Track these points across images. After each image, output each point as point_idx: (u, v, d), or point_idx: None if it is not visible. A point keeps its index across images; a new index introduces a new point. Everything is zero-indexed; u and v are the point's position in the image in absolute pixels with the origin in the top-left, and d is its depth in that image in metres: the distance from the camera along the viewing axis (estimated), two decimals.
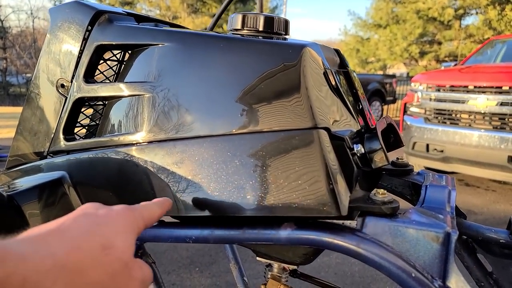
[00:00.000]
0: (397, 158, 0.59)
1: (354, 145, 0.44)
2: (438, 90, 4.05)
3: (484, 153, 3.59)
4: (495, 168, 3.62)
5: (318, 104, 0.42)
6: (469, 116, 3.75)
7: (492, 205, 3.73)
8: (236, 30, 0.53)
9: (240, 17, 0.52)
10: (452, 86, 3.92)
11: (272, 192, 0.41)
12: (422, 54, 14.29)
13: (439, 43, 14.13)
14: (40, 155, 0.57)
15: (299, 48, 0.44)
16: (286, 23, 0.54)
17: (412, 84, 4.47)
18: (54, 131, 0.55)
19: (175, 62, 0.48)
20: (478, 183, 4.43)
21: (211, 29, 0.68)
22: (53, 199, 0.50)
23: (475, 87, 3.71)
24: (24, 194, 0.47)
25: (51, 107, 0.55)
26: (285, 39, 0.54)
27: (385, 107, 10.81)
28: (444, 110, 3.97)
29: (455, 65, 5.17)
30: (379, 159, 0.45)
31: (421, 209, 0.42)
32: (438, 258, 0.38)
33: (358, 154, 0.43)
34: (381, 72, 16.73)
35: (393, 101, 10.46)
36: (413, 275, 0.38)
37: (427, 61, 14.54)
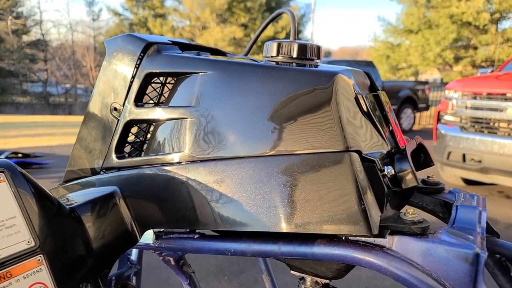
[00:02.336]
0: (428, 177, 0.61)
1: (385, 167, 0.46)
2: (474, 98, 3.93)
3: None
4: None
5: (349, 127, 0.46)
6: (508, 125, 3.62)
7: None
8: (272, 57, 0.57)
9: (275, 45, 0.56)
10: (489, 93, 3.80)
11: (306, 210, 0.45)
12: (457, 59, 13.87)
13: (475, 48, 13.68)
14: (94, 171, 0.63)
15: (331, 76, 0.47)
16: (318, 49, 0.57)
17: (446, 91, 4.36)
18: (107, 150, 0.60)
19: (216, 89, 0.52)
20: None
21: (247, 54, 0.72)
22: (106, 211, 0.55)
23: None
24: (83, 206, 0.53)
25: (105, 128, 0.61)
26: (317, 64, 0.57)
27: (418, 114, 10.55)
28: (481, 118, 3.84)
29: (492, 71, 5.00)
30: (409, 180, 0.47)
31: (451, 229, 0.44)
32: (468, 277, 0.40)
33: (389, 176, 0.46)
34: (413, 78, 16.37)
35: (426, 108, 10.20)
36: None
37: (463, 66, 14.10)
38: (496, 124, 3.73)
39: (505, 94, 3.66)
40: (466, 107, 3.98)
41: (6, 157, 6.05)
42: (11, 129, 10.41)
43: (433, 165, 0.60)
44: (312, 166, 0.45)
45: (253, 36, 0.69)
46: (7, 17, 24.99)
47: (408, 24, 14.41)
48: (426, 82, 10.87)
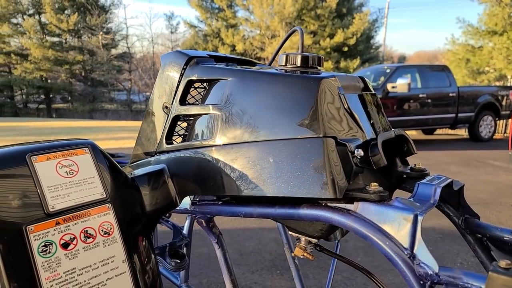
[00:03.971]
0: (415, 164, 0.71)
1: (356, 150, 0.59)
2: None
3: None
4: None
5: (328, 120, 0.59)
6: None
7: None
8: (282, 66, 0.72)
9: (284, 56, 0.72)
10: None
11: (293, 180, 0.59)
12: None
13: None
14: (151, 154, 0.83)
15: (318, 80, 0.61)
16: (319, 59, 0.71)
17: None
18: (160, 138, 0.80)
19: (236, 91, 0.69)
20: None
21: (270, 63, 0.88)
22: (156, 181, 0.74)
23: None
24: (140, 177, 0.73)
25: (159, 121, 0.81)
26: (319, 71, 0.71)
27: (500, 122, 9.72)
28: None
29: None
30: (378, 161, 0.59)
31: (403, 199, 0.55)
32: (409, 232, 0.51)
33: (358, 157, 0.58)
34: (497, 83, 15.03)
35: (510, 115, 9.35)
36: (387, 243, 0.52)
37: None
38: None
39: None
40: None
41: None
42: (100, 132, 11.66)
43: (416, 153, 0.70)
44: (298, 148, 0.60)
45: (275, 49, 0.85)
46: (98, 33, 27.91)
47: (491, 25, 13.33)
48: (510, 87, 9.97)
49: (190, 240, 1.16)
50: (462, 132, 10.32)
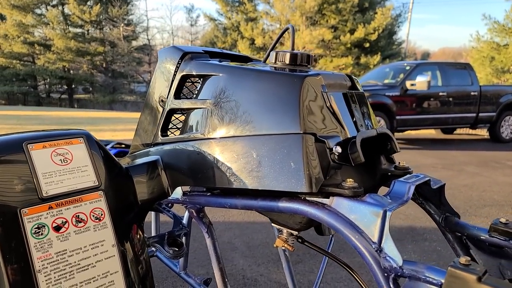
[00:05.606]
0: (399, 163, 0.73)
1: (334, 147, 0.60)
2: None
3: None
4: None
5: (309, 116, 0.61)
6: None
7: None
8: (272, 63, 0.74)
9: (274, 54, 0.74)
10: None
11: (273, 174, 0.61)
12: None
13: None
14: (147, 145, 0.87)
15: (301, 78, 0.63)
16: (309, 57, 0.73)
17: None
18: (155, 130, 0.84)
19: (226, 87, 0.71)
20: None
21: (265, 60, 0.90)
22: (150, 172, 0.78)
23: None
24: (134, 168, 0.76)
25: (155, 114, 0.84)
26: (308, 69, 0.73)
27: None
28: None
29: None
30: (356, 158, 0.61)
31: (377, 196, 0.57)
32: (378, 227, 0.53)
33: (336, 153, 0.60)
34: None
35: None
36: (357, 237, 0.54)
37: None
38: None
39: None
40: None
41: (112, 147, 7.04)
42: (119, 123, 11.89)
43: (398, 151, 0.71)
44: (279, 143, 0.62)
45: (269, 47, 0.87)
46: (119, 24, 28.33)
47: None
48: None
49: (190, 230, 1.20)
50: (483, 132, 10.06)
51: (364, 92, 0.75)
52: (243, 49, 24.01)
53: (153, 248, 0.88)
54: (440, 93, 7.77)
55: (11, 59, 26.07)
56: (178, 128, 0.82)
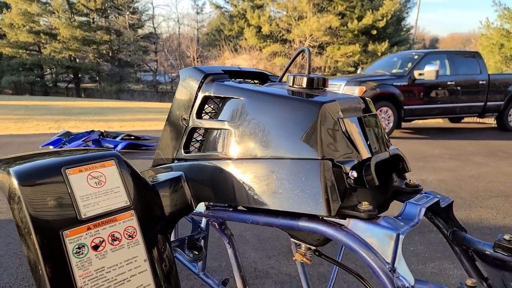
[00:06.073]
0: (410, 180, 0.77)
1: (350, 171, 0.65)
2: None
3: None
4: None
5: (327, 143, 0.65)
6: None
7: None
8: (290, 86, 0.78)
9: (291, 78, 0.78)
10: None
11: (293, 196, 0.66)
12: None
13: None
14: (170, 160, 0.92)
15: (319, 105, 0.67)
16: (324, 80, 0.77)
17: None
18: (178, 146, 0.89)
19: (247, 110, 0.76)
20: None
21: (280, 80, 0.94)
22: (174, 187, 0.83)
23: None
24: (160, 183, 0.81)
25: (177, 131, 0.89)
26: (323, 91, 0.77)
27: None
28: None
29: None
30: (371, 181, 0.65)
31: (389, 218, 0.61)
32: (391, 249, 0.57)
33: (352, 178, 0.64)
34: None
35: None
36: (372, 257, 0.58)
37: None
38: None
39: None
40: None
41: (122, 139, 7.11)
42: (127, 113, 11.97)
43: (410, 171, 0.75)
44: (299, 168, 0.66)
45: (285, 66, 0.91)
46: (125, 12, 28.22)
47: None
48: None
49: (208, 233, 1.25)
50: (490, 121, 9.99)
51: (376, 114, 0.79)
52: (249, 36, 23.85)
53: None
54: (449, 82, 7.71)
55: (17, 49, 26.19)
56: (201, 146, 0.87)
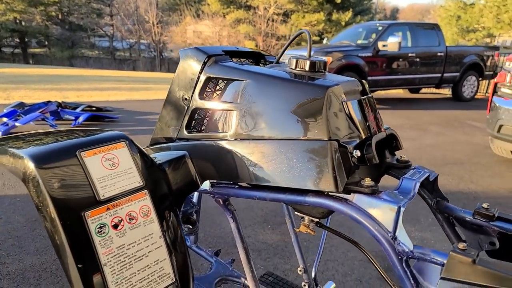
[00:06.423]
0: (401, 156, 0.85)
1: (354, 151, 0.71)
2: None
3: None
4: None
5: (333, 125, 0.70)
6: None
7: None
8: (292, 68, 0.82)
9: (294, 60, 0.81)
10: None
11: (303, 174, 0.71)
12: None
13: None
14: (170, 139, 0.93)
15: (325, 88, 0.72)
16: (325, 63, 0.81)
17: (507, 63, 4.19)
18: (180, 126, 0.90)
19: (251, 92, 0.79)
20: None
21: (277, 61, 0.96)
22: (180, 166, 0.85)
23: None
24: (166, 162, 0.84)
25: (179, 111, 0.90)
26: (324, 75, 0.81)
27: (483, 82, 9.92)
28: None
29: None
30: (371, 159, 0.72)
31: (390, 192, 0.68)
32: (392, 219, 0.65)
33: (356, 156, 0.71)
34: (488, 41, 15.06)
35: (493, 76, 9.53)
36: (376, 227, 0.66)
37: None
38: None
39: None
40: None
41: (82, 110, 6.80)
42: (82, 82, 11.32)
43: (402, 149, 0.83)
44: (307, 148, 0.71)
45: (282, 48, 0.94)
46: None
47: None
48: (496, 48, 10.06)
49: (199, 208, 1.30)
50: (446, 91, 10.53)
51: (372, 95, 0.85)
52: (212, 2, 23.07)
53: None
54: (410, 54, 7.99)
55: None
56: (202, 126, 0.89)
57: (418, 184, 0.71)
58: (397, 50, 7.52)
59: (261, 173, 0.76)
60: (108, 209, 0.68)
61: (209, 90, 0.87)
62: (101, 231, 0.66)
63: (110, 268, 0.67)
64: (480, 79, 9.23)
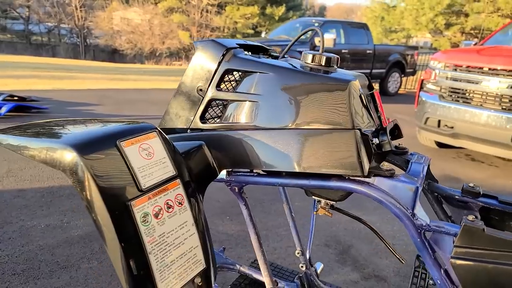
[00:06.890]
0: (399, 144, 0.96)
1: (373, 139, 0.79)
2: (455, 70, 4.27)
3: (491, 131, 3.88)
4: (499, 146, 3.92)
5: (355, 115, 0.78)
6: (481, 96, 4.00)
7: (492, 180, 4.06)
8: (307, 63, 0.88)
9: (310, 55, 0.87)
10: (469, 66, 4.13)
11: (330, 161, 0.78)
12: (448, 25, 14.04)
13: (466, 15, 13.82)
14: (181, 130, 0.94)
15: (347, 82, 0.79)
16: (337, 59, 0.88)
17: (431, 62, 4.67)
18: (193, 116, 0.92)
19: (269, 84, 0.83)
20: (483, 159, 4.74)
21: (283, 56, 1.01)
22: (198, 155, 0.87)
23: (489, 69, 3.93)
24: (187, 153, 0.85)
25: (192, 101, 0.91)
26: (337, 70, 0.88)
27: (405, 79, 10.87)
28: (458, 89, 4.21)
29: (475, 44, 5.31)
30: (386, 146, 0.81)
31: (407, 175, 0.78)
32: (411, 198, 0.75)
33: (374, 143, 0.79)
34: (407, 41, 16.46)
35: (413, 73, 10.53)
36: (397, 205, 0.75)
37: (452, 33, 14.30)
38: (470, 95, 4.12)
39: (481, 68, 4.01)
40: (447, 78, 4.33)
41: (4, 100, 6.12)
42: None
43: (403, 137, 0.94)
44: (333, 137, 0.78)
45: (290, 43, 0.99)
46: None
47: None
48: (415, 48, 11.10)
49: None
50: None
51: (377, 90, 0.94)
52: None
53: None
54: (343, 51, 8.47)
55: None
56: (218, 116, 0.91)
57: (426, 168, 0.81)
58: (332, 46, 7.93)
59: (287, 161, 0.81)
60: (149, 198, 0.69)
61: (227, 81, 0.89)
62: (145, 220, 0.67)
63: (154, 256, 0.68)
64: (402, 75, 10.11)
